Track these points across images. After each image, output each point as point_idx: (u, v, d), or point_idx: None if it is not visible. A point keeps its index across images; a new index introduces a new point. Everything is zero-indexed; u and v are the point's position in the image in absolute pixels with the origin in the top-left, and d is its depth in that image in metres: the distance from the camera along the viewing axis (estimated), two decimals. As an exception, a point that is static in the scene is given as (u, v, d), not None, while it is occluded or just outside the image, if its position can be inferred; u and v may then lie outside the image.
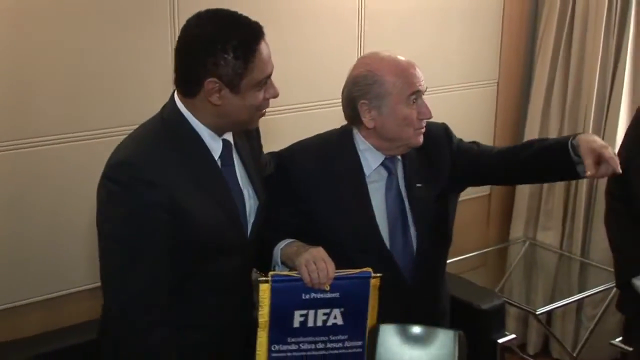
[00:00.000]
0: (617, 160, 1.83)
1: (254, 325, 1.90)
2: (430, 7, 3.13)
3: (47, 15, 2.20)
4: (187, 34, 1.74)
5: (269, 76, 1.78)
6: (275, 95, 1.81)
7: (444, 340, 1.95)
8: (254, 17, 1.76)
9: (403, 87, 1.98)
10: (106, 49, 2.35)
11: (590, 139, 1.90)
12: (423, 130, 2.03)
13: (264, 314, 1.88)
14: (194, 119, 1.80)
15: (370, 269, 1.92)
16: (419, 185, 2.09)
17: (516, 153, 2.12)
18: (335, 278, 1.88)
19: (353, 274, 1.92)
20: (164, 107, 1.85)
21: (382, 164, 2.06)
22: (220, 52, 1.68)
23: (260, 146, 2.09)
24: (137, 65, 2.41)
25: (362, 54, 2.88)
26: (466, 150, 2.18)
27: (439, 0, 3.16)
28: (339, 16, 2.88)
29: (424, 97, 2.03)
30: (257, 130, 2.06)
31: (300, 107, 2.87)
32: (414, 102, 1.99)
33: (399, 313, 2.03)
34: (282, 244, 1.97)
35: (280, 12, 2.69)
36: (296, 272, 1.89)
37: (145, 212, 1.71)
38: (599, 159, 1.84)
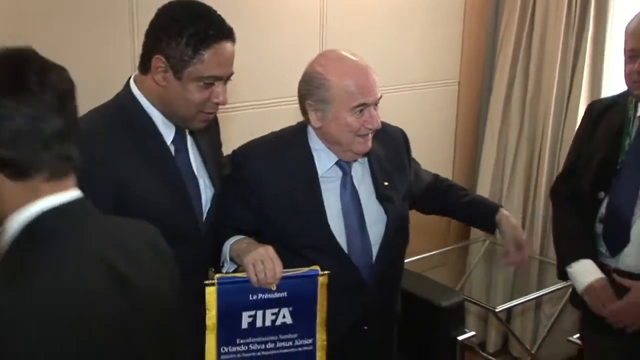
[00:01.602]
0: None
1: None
2: (392, 4, 3.13)
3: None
4: (158, 12, 1.78)
5: (218, 78, 1.77)
6: (221, 103, 1.81)
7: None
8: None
9: (349, 98, 1.93)
10: (68, 47, 2.33)
11: (513, 224, 2.20)
12: (368, 137, 1.99)
13: (211, 316, 1.87)
14: (145, 101, 1.81)
15: (317, 267, 1.92)
16: (386, 183, 2.09)
17: (445, 196, 2.31)
18: (283, 277, 1.88)
19: (301, 272, 1.92)
20: (119, 92, 1.86)
21: (337, 163, 2.04)
22: (175, 34, 1.71)
23: (220, 142, 2.08)
24: (97, 61, 2.40)
25: (323, 49, 2.87)
26: (414, 163, 2.25)
27: (401, -1, 3.17)
28: (301, 12, 2.87)
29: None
30: (217, 124, 2.05)
31: (260, 104, 2.85)
32: (360, 112, 1.94)
33: (357, 314, 2.04)
34: (232, 240, 1.97)
35: (241, 7, 2.67)
36: (244, 272, 1.88)
37: (91, 187, 1.66)
38: (518, 246, 2.16)
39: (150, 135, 1.81)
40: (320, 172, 2.02)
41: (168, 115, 1.82)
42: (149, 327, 1.28)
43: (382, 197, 2.06)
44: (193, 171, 1.90)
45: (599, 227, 2.24)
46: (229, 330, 1.92)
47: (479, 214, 2.29)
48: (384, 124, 2.05)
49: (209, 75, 1.75)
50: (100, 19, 2.40)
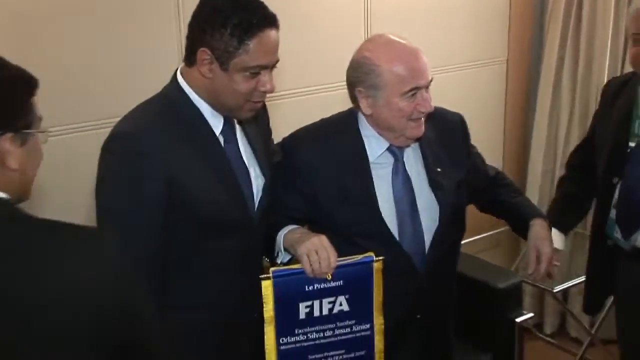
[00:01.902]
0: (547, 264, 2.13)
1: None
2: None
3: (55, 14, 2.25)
4: (201, 4, 1.78)
5: (264, 67, 1.77)
6: (269, 91, 1.80)
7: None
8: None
9: (401, 83, 1.91)
10: (115, 46, 2.40)
11: (542, 235, 2.15)
12: (421, 122, 1.97)
13: (268, 309, 1.90)
14: (193, 93, 1.82)
15: (372, 254, 1.93)
16: (439, 169, 2.06)
17: (496, 191, 2.27)
18: (338, 266, 1.89)
19: (355, 260, 1.93)
20: (166, 85, 1.87)
21: (388, 149, 2.02)
22: (219, 25, 1.71)
23: (269, 130, 2.08)
24: (143, 61, 2.45)
25: (369, 34, 2.88)
26: (474, 156, 2.21)
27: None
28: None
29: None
30: (266, 112, 2.06)
31: (306, 91, 2.88)
32: (412, 96, 1.92)
33: (410, 301, 2.05)
34: (286, 229, 1.98)
35: None
36: (299, 263, 1.90)
37: (138, 184, 1.73)
38: (538, 259, 2.13)
39: (199, 127, 1.82)
40: (371, 158, 2.01)
41: (216, 106, 1.83)
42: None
43: (433, 183, 2.05)
44: (243, 161, 1.91)
45: (613, 212, 2.25)
46: (287, 322, 1.95)
47: (519, 216, 2.25)
48: (441, 110, 2.04)
49: (255, 65, 1.75)
50: (147, 14, 2.45)
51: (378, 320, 2.01)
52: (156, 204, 1.75)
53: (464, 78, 3.33)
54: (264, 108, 2.04)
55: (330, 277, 1.90)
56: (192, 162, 1.79)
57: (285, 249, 1.97)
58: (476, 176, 2.19)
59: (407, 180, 2.04)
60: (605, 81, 3.13)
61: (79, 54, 2.34)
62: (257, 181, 1.94)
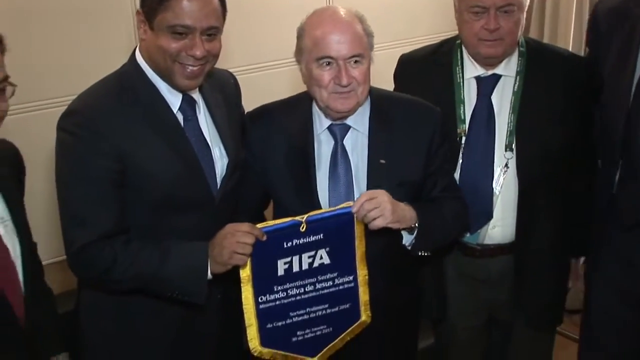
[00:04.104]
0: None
1: (233, 281, 1.94)
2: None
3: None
4: None
5: (189, 28, 1.81)
6: (197, 56, 1.84)
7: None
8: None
9: (313, 49, 1.96)
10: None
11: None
12: (343, 94, 1.98)
13: (245, 269, 1.91)
14: (149, 69, 1.89)
15: (351, 203, 1.93)
16: (382, 161, 2.06)
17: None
18: (316, 220, 1.92)
19: (334, 211, 1.95)
20: (124, 63, 1.94)
21: (329, 128, 2.06)
22: None
23: (241, 110, 2.16)
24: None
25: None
26: (441, 158, 2.14)
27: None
28: None
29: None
30: (238, 92, 2.15)
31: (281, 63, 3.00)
32: (327, 65, 1.95)
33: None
34: None
35: None
36: (285, 219, 1.92)
37: (91, 160, 1.81)
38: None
39: (155, 104, 1.88)
40: (316, 134, 2.06)
41: (156, 72, 1.89)
42: None
43: (370, 174, 2.06)
44: (205, 140, 1.95)
45: None
46: (265, 280, 1.96)
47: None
48: (417, 102, 2.10)
49: (176, 24, 1.80)
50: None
51: (362, 272, 2.03)
52: (107, 181, 1.82)
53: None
54: (236, 84, 2.12)
55: (304, 228, 1.91)
56: (147, 139, 1.85)
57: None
58: (429, 179, 2.15)
59: (347, 167, 2.07)
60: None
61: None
62: (222, 160, 1.98)
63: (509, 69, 2.24)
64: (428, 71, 2.35)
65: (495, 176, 2.23)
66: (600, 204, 2.25)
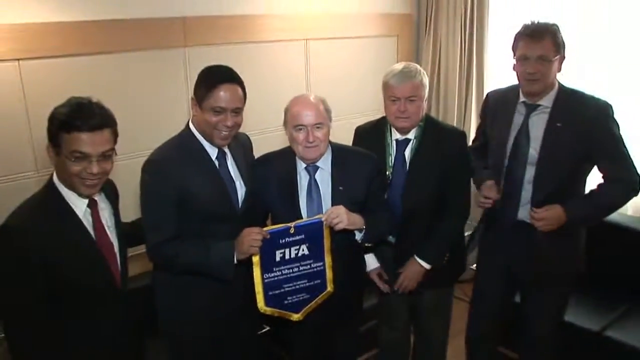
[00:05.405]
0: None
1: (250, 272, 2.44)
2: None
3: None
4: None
5: (224, 109, 2.27)
6: (228, 126, 2.32)
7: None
8: (237, 63, 2.38)
9: (292, 120, 2.45)
10: (139, 95, 3.21)
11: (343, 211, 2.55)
12: (311, 148, 2.44)
13: (256, 257, 2.39)
14: (197, 134, 2.38)
15: (321, 215, 2.43)
16: (340, 188, 2.54)
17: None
18: (299, 226, 2.40)
19: (309, 221, 2.43)
20: (183, 128, 2.46)
21: (305, 168, 2.54)
22: (199, 82, 2.37)
23: (253, 155, 2.71)
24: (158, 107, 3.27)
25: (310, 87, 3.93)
26: (375, 186, 2.63)
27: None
28: (290, 64, 3.92)
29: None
30: (250, 144, 2.70)
31: (263, 130, 3.59)
32: (301, 130, 2.43)
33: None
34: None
35: (245, 62, 3.59)
36: (280, 225, 2.38)
37: (160, 192, 2.30)
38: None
39: (202, 155, 2.40)
40: (298, 171, 2.55)
41: (204, 136, 2.37)
42: None
43: (333, 197, 2.53)
44: (231, 177, 2.49)
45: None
46: (267, 263, 2.40)
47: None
48: (360, 152, 2.63)
49: (216, 106, 2.29)
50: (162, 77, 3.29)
51: (328, 259, 2.51)
52: (171, 203, 2.33)
53: (359, 48, 4.19)
54: (250, 143, 2.67)
55: (292, 231, 2.38)
56: (195, 177, 2.35)
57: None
58: (370, 198, 2.63)
59: (318, 193, 2.54)
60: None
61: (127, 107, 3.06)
62: (242, 189, 2.52)
63: (413, 135, 2.77)
64: (373, 135, 2.86)
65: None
66: (491, 211, 2.91)
